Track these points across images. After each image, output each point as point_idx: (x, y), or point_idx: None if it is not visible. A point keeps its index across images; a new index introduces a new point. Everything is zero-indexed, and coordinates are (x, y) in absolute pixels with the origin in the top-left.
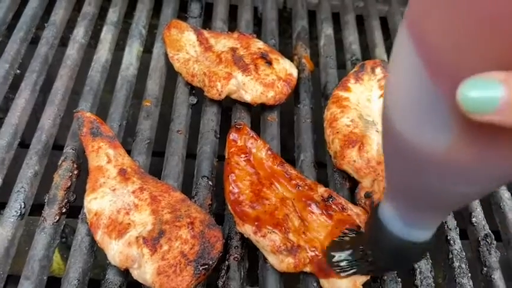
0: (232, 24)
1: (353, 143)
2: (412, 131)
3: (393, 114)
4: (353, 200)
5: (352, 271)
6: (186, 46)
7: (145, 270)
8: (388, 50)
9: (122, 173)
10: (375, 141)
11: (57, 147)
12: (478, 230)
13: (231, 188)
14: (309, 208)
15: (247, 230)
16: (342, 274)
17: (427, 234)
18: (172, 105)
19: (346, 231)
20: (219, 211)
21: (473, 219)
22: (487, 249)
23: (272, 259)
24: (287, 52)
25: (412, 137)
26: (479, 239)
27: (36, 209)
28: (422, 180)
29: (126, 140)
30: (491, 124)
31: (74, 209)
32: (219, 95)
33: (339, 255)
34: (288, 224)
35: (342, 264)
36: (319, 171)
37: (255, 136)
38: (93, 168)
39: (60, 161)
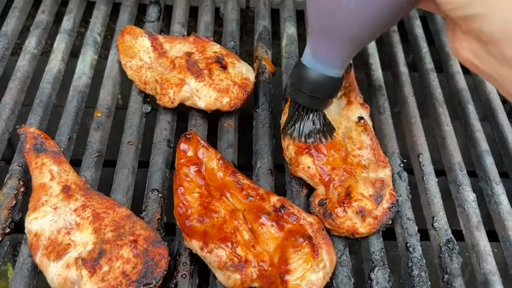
0: (194, 27)
1: (307, 149)
2: None
3: None
4: (309, 207)
5: (294, 128)
6: (139, 53)
7: None
8: None
9: (66, 190)
10: (331, 146)
11: (9, 160)
12: (440, 235)
13: (179, 202)
14: (260, 220)
15: (194, 245)
16: (294, 136)
17: (337, 71)
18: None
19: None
20: (172, 222)
21: (436, 224)
22: (449, 256)
23: (219, 275)
24: (252, 53)
25: None
26: (441, 244)
27: None
28: (320, 2)
29: (78, 150)
30: None
31: (22, 223)
32: (172, 102)
33: (287, 127)
34: (237, 237)
35: (289, 130)
36: (279, 176)
37: (206, 145)
38: (36, 186)
39: (5, 179)
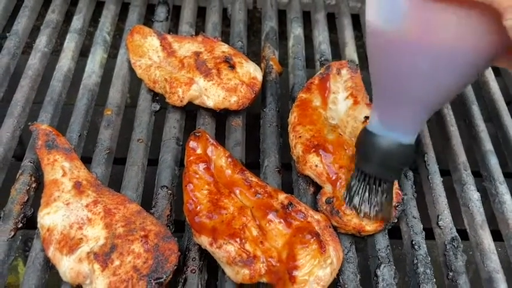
0: (202, 27)
1: (315, 148)
2: (375, 17)
3: (367, 9)
4: (316, 205)
5: (369, 202)
6: (148, 52)
7: (97, 286)
8: (359, 48)
9: (77, 186)
10: (338, 145)
11: (20, 157)
12: (444, 234)
13: (188, 198)
14: (268, 217)
15: (203, 241)
16: (361, 215)
17: (409, 138)
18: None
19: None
20: (181, 219)
21: (440, 222)
22: (453, 253)
23: (228, 270)
24: (259, 53)
25: (376, 21)
26: (446, 242)
27: None
28: (392, 66)
29: (88, 148)
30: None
31: (36, 221)
32: (181, 101)
33: (350, 198)
34: (245, 233)
35: (356, 200)
36: (286, 175)
37: (215, 143)
38: (48, 181)
39: (17, 175)
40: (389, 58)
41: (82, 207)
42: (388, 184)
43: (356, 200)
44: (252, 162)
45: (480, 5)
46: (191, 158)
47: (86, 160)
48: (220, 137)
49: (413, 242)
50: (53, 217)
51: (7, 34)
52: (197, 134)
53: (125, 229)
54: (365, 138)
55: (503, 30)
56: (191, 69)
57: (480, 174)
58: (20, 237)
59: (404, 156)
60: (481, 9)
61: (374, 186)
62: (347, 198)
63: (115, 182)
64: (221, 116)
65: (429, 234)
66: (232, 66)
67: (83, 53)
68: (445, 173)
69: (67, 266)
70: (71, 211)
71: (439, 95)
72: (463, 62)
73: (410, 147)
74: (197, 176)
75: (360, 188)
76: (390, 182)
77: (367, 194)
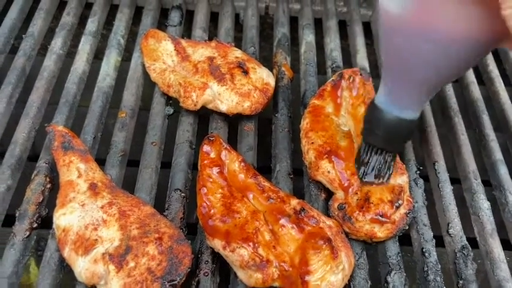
0: (214, 31)
1: (327, 154)
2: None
3: None
4: (328, 210)
5: (363, 167)
6: (163, 56)
7: (112, 287)
8: (370, 56)
9: (92, 187)
10: (350, 152)
11: (34, 157)
12: (455, 242)
13: (202, 202)
14: (280, 222)
15: (217, 244)
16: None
17: (414, 114)
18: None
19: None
20: (195, 221)
21: (451, 230)
22: (464, 262)
23: (241, 274)
24: (272, 58)
25: (387, 4)
26: (456, 250)
27: (9, 219)
28: (400, 45)
29: (102, 149)
30: None
31: (48, 219)
32: (194, 105)
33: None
34: (258, 238)
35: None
36: (297, 180)
37: (228, 148)
38: (63, 182)
39: (33, 175)
40: (396, 39)
41: (97, 208)
42: (391, 155)
43: (363, 169)
44: (263, 167)
45: None
46: (205, 161)
47: (99, 162)
48: (232, 141)
49: (423, 250)
50: (68, 218)
51: (23, 36)
52: (211, 139)
53: (139, 231)
54: (373, 112)
55: (502, 18)
56: (205, 74)
57: (490, 182)
58: (35, 237)
59: (407, 130)
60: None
61: (379, 157)
62: (359, 170)
63: (128, 184)
64: (233, 120)
65: (439, 242)
66: (245, 72)
67: (97, 55)
68: (455, 180)
69: (82, 266)
70: (86, 212)
71: (440, 76)
72: (463, 48)
73: (413, 122)
74: (211, 179)
75: (367, 158)
76: (393, 153)
77: (373, 163)
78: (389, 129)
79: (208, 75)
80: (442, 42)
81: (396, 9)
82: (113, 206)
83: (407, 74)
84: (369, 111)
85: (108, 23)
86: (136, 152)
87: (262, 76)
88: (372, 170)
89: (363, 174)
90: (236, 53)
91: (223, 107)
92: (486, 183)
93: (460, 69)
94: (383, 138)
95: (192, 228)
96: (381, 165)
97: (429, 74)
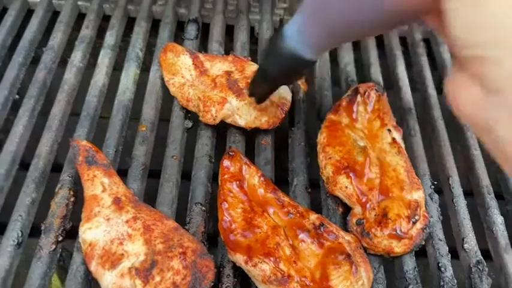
0: (229, 44)
1: (345, 169)
2: None
3: None
4: (346, 225)
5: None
6: (181, 70)
7: None
8: (384, 68)
9: (116, 201)
10: (367, 168)
11: (56, 167)
12: (470, 257)
13: (223, 216)
14: (300, 237)
15: (239, 259)
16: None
17: (312, 55)
18: (168, 127)
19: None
20: (215, 232)
21: (466, 245)
22: (479, 276)
23: None
24: None
25: None
26: (471, 265)
27: (34, 231)
28: None
29: (124, 159)
30: None
31: (70, 231)
32: (214, 119)
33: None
34: (279, 253)
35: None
36: (313, 193)
37: (248, 163)
38: (88, 196)
39: (57, 188)
40: None
41: (122, 222)
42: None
43: (252, 89)
44: (279, 180)
45: None
46: (225, 176)
47: (120, 172)
48: (249, 154)
49: (439, 264)
50: (94, 232)
51: (43, 49)
52: (231, 154)
53: (164, 245)
54: (278, 40)
55: None
56: (223, 89)
57: (503, 196)
58: (60, 250)
59: (302, 69)
60: None
61: (268, 84)
62: (250, 89)
63: (148, 195)
64: (250, 134)
65: (454, 254)
66: None
67: (115, 67)
68: (469, 193)
69: (109, 280)
70: (111, 226)
71: (350, 28)
72: (379, 8)
73: (307, 62)
74: (231, 194)
75: (257, 81)
76: (282, 84)
77: (263, 88)
78: (287, 62)
79: (226, 89)
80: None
81: None
82: (137, 220)
83: (320, 15)
84: (274, 37)
85: (125, 35)
86: (153, 163)
87: (280, 91)
88: (263, 94)
89: (251, 93)
90: (253, 68)
91: (241, 122)
92: (499, 195)
93: (372, 29)
94: (278, 68)
95: (211, 239)
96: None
97: (340, 23)
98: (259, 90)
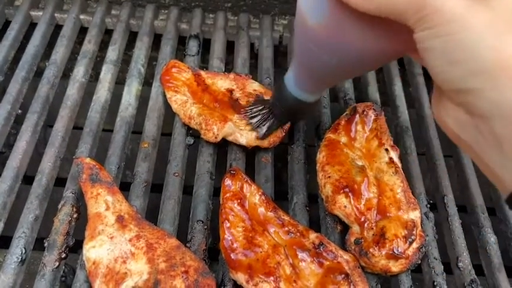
0: (230, 59)
1: (344, 189)
2: (304, 4)
3: None
4: (344, 244)
5: (263, 126)
6: (184, 87)
7: None
8: (381, 87)
9: (120, 220)
10: (365, 187)
11: (58, 182)
12: (464, 275)
13: (225, 235)
14: (300, 256)
15: (240, 278)
16: (257, 129)
17: (314, 97)
18: (170, 142)
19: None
20: (215, 247)
21: (460, 264)
22: None
23: None
24: None
25: (303, 7)
26: (465, 284)
27: (37, 244)
28: (310, 48)
29: (125, 173)
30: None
31: (73, 247)
32: (215, 137)
33: (253, 112)
34: (280, 272)
35: (255, 120)
36: (312, 210)
37: (249, 181)
38: (92, 214)
39: (60, 205)
40: (306, 43)
41: (125, 241)
42: (277, 123)
43: (255, 120)
44: (278, 194)
45: (389, 19)
46: (227, 195)
47: (121, 187)
48: (249, 171)
49: (434, 283)
50: (98, 251)
51: (46, 63)
52: (232, 172)
53: (166, 264)
54: (279, 86)
55: (410, 38)
56: (225, 107)
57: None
58: (64, 267)
59: (307, 110)
60: (390, 21)
61: (274, 120)
62: (248, 115)
63: (150, 211)
64: (250, 151)
65: (449, 271)
66: None
67: (117, 81)
68: (464, 209)
69: None
70: (115, 245)
71: (341, 76)
72: (367, 58)
73: (312, 104)
74: (233, 213)
75: (263, 114)
76: (281, 122)
77: (268, 122)
78: (291, 107)
79: (228, 108)
80: (349, 55)
81: (312, 19)
82: (140, 239)
83: (310, 69)
84: (278, 82)
85: (127, 48)
86: (156, 177)
87: None
88: (257, 121)
89: (248, 115)
90: (254, 86)
91: (242, 140)
92: (493, 212)
93: (360, 73)
94: (287, 111)
95: (212, 255)
96: (265, 122)
97: (330, 74)
98: (270, 130)
